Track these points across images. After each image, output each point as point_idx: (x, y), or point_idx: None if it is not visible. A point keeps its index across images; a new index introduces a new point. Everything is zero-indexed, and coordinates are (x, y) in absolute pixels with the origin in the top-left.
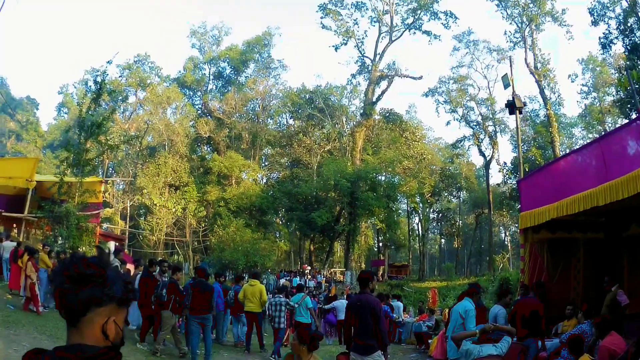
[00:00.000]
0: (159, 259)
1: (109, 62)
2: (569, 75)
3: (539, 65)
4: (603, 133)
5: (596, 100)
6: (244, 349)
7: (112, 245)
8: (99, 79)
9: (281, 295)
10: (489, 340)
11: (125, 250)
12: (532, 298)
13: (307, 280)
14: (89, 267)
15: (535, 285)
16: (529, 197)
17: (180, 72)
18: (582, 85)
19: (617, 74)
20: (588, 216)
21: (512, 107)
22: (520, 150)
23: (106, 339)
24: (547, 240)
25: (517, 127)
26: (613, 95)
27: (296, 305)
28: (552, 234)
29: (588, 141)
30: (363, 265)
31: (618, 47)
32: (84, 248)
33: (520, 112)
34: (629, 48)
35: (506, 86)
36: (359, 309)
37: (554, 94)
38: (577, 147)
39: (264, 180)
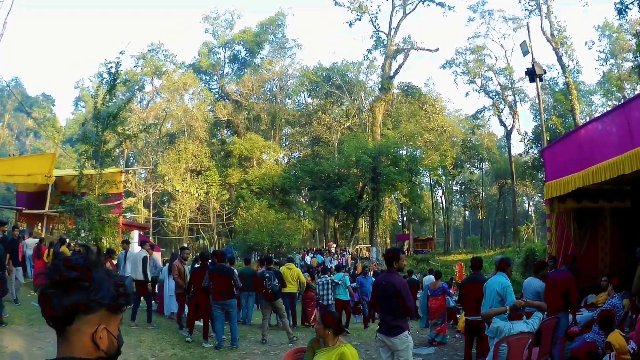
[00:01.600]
0: (181, 245)
1: (121, 53)
2: (586, 43)
3: (555, 32)
4: (622, 100)
5: (614, 67)
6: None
7: (135, 234)
8: (112, 70)
9: (326, 275)
10: (519, 317)
11: (150, 238)
12: (564, 272)
13: (330, 260)
14: (73, 270)
15: (566, 258)
16: (554, 166)
17: (195, 57)
18: (600, 52)
19: (634, 40)
20: (613, 185)
21: (532, 74)
22: (543, 118)
23: (98, 350)
24: (573, 210)
25: (537, 95)
26: (632, 62)
27: (340, 283)
28: (578, 203)
29: (608, 108)
30: (388, 241)
31: (634, 13)
32: (106, 239)
33: (541, 80)
34: None
35: (525, 53)
36: (384, 289)
37: (572, 61)
38: (597, 114)
39: (286, 160)
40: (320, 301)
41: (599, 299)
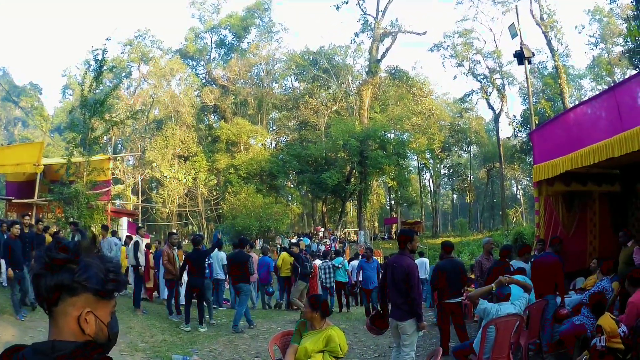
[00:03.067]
0: (169, 231)
1: (108, 39)
2: (576, 27)
3: (545, 16)
4: (613, 84)
5: (604, 51)
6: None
7: (124, 221)
8: (99, 57)
9: (327, 260)
10: (505, 299)
11: (139, 224)
12: (551, 254)
13: (318, 244)
14: (62, 252)
15: (552, 241)
16: (542, 149)
17: (182, 43)
18: (590, 36)
19: (624, 25)
20: (602, 168)
21: (520, 57)
22: (531, 101)
23: (84, 334)
24: (561, 194)
25: (526, 77)
26: (622, 46)
27: (340, 266)
28: (567, 186)
29: (598, 92)
30: (376, 224)
31: None
32: (95, 227)
33: (529, 62)
34: None
35: (513, 36)
36: (394, 271)
37: (561, 45)
38: (587, 98)
39: (273, 145)
40: (324, 284)
41: (588, 283)
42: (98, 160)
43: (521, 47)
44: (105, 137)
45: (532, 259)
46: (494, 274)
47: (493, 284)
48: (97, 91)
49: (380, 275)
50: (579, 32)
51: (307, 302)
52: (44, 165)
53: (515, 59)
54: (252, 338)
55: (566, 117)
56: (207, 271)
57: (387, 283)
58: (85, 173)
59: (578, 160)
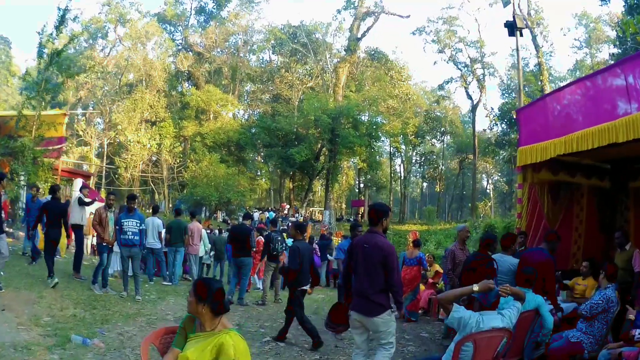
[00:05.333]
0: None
1: None
2: (561, 29)
3: (532, 12)
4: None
5: (587, 56)
6: None
7: (78, 182)
8: (61, 6)
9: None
10: (491, 307)
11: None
12: (542, 251)
13: (282, 221)
14: None
15: (548, 235)
16: (530, 129)
17: (160, 7)
18: (575, 39)
19: (613, 31)
20: (594, 160)
21: (511, 27)
22: (521, 75)
23: None
24: (548, 183)
25: (517, 49)
26: (608, 53)
27: None
28: (554, 175)
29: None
30: (343, 206)
31: (615, 7)
32: (40, 184)
33: (521, 34)
34: (629, 3)
35: (505, 4)
36: (366, 253)
37: (546, 42)
38: (590, 73)
39: (246, 117)
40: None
41: (579, 288)
42: (51, 114)
43: (514, 17)
44: (60, 90)
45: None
46: (472, 269)
47: (475, 286)
48: (56, 40)
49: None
50: (564, 35)
51: (193, 289)
52: None
53: (506, 29)
54: (176, 321)
55: (561, 94)
56: (137, 238)
57: (354, 269)
58: (34, 127)
59: (572, 144)
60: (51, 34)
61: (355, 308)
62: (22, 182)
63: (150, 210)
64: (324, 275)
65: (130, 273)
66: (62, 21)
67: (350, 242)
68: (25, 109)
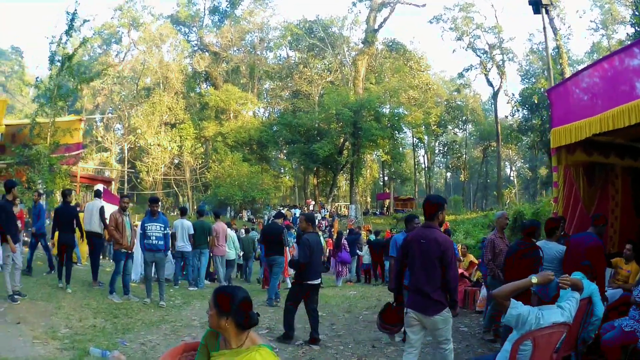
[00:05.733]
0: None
1: None
2: (577, 11)
3: None
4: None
5: (604, 37)
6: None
7: (100, 187)
8: (70, 10)
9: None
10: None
11: (117, 192)
12: (591, 235)
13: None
14: None
15: (597, 219)
16: (563, 109)
17: (173, 8)
18: (591, 21)
19: (628, 10)
20: (626, 140)
21: (536, 4)
22: (549, 54)
23: None
24: (582, 164)
25: (544, 27)
26: (628, 27)
27: None
28: (589, 156)
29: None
30: (368, 199)
31: None
32: (58, 192)
33: (547, 12)
34: None
35: None
36: (423, 249)
37: (564, 25)
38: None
39: (266, 115)
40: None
41: (622, 268)
42: (66, 121)
43: None
44: (74, 95)
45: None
46: (518, 258)
47: (534, 278)
48: (66, 44)
49: (396, 254)
50: (580, 17)
51: (213, 300)
52: (6, 125)
53: (531, 6)
54: (202, 327)
55: (594, 71)
56: (162, 242)
57: (409, 265)
58: (49, 133)
59: (608, 122)
60: (61, 39)
61: (412, 306)
62: (40, 191)
63: (177, 213)
64: (354, 271)
65: (154, 278)
66: (71, 25)
67: (405, 236)
68: (39, 116)
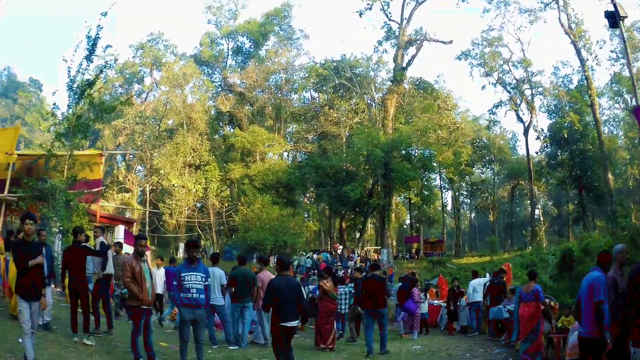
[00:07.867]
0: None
1: (103, 14)
2: (597, 42)
3: (573, 25)
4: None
5: (625, 67)
6: None
7: (121, 229)
8: (92, 34)
9: (344, 285)
10: None
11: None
12: None
13: (336, 262)
14: None
15: None
16: None
17: (196, 48)
18: (611, 51)
19: None
20: None
21: (612, 17)
22: (630, 59)
23: None
24: None
25: (622, 38)
26: None
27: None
28: None
29: (616, 112)
30: (394, 243)
31: None
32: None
33: (623, 23)
34: None
35: None
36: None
37: (590, 55)
38: (605, 117)
39: (291, 159)
40: (338, 310)
41: None
42: (86, 154)
43: (614, 4)
44: (92, 125)
45: None
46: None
47: None
48: (86, 71)
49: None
50: (600, 48)
51: None
52: (18, 154)
53: (607, 19)
54: None
55: None
56: (202, 296)
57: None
58: (66, 166)
59: None
60: (81, 64)
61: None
62: (55, 229)
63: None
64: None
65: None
66: (92, 50)
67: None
68: (56, 148)
